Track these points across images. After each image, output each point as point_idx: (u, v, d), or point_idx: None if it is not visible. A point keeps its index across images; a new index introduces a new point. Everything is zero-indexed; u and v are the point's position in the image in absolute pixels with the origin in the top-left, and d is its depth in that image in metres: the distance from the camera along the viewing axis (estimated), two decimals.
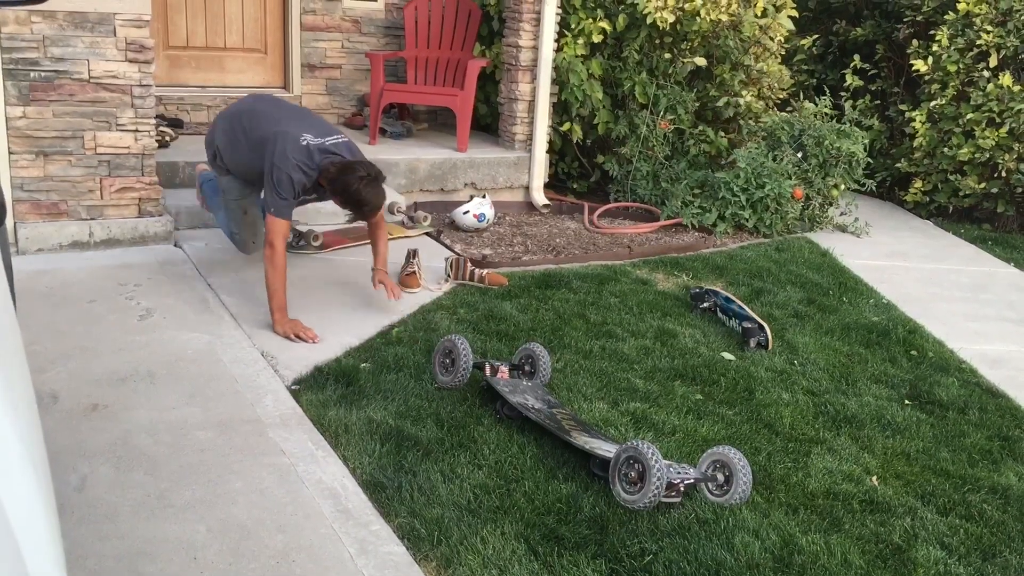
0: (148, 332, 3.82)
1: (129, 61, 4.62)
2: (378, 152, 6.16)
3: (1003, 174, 6.80)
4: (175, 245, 4.90)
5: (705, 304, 4.69)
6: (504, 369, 3.62)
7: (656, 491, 2.78)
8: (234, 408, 3.26)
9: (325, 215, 5.45)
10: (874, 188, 7.06)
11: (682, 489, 2.94)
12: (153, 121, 4.81)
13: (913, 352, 4.48)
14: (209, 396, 3.33)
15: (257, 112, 4.30)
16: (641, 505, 2.81)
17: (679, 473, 2.94)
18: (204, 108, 6.58)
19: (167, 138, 5.75)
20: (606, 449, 3.07)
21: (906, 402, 3.92)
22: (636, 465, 2.86)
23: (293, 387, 3.48)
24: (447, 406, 3.42)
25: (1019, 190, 6.86)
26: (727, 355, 4.18)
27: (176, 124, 6.24)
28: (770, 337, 4.32)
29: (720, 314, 4.63)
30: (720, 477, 3.01)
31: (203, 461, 2.91)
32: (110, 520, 2.58)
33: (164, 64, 6.55)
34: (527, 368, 3.68)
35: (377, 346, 3.91)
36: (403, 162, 6.11)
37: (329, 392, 3.44)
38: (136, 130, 4.73)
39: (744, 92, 6.77)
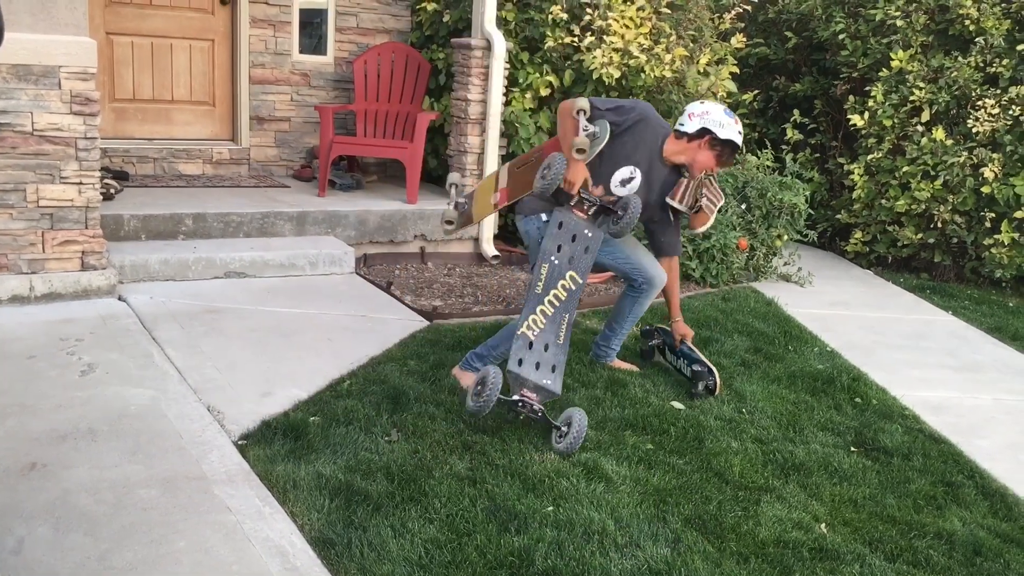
0: (90, 388, 3.73)
1: (74, 114, 4.58)
2: (327, 204, 6.16)
3: (939, 225, 7.01)
4: (119, 299, 4.82)
5: (654, 342, 4.71)
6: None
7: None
8: (179, 465, 3.19)
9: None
10: (816, 239, 7.22)
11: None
12: (98, 174, 4.76)
13: (857, 399, 4.55)
14: (153, 453, 3.25)
15: None
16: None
17: None
18: (150, 160, 6.53)
19: (112, 190, 5.69)
20: None
21: (852, 449, 3.98)
22: None
23: (240, 442, 3.42)
24: (398, 459, 3.39)
25: (955, 241, 7.07)
26: (677, 404, 4.21)
27: (121, 176, 6.18)
28: (718, 381, 4.35)
29: (668, 354, 4.65)
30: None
31: (146, 520, 2.84)
32: None
33: (110, 116, 6.50)
34: (563, 429, 3.68)
35: (327, 399, 3.86)
36: (352, 214, 6.11)
37: (277, 447, 3.38)
38: (80, 183, 4.67)
39: None
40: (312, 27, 7.10)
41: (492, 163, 6.51)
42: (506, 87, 6.51)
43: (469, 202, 4.52)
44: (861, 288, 6.91)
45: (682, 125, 4.10)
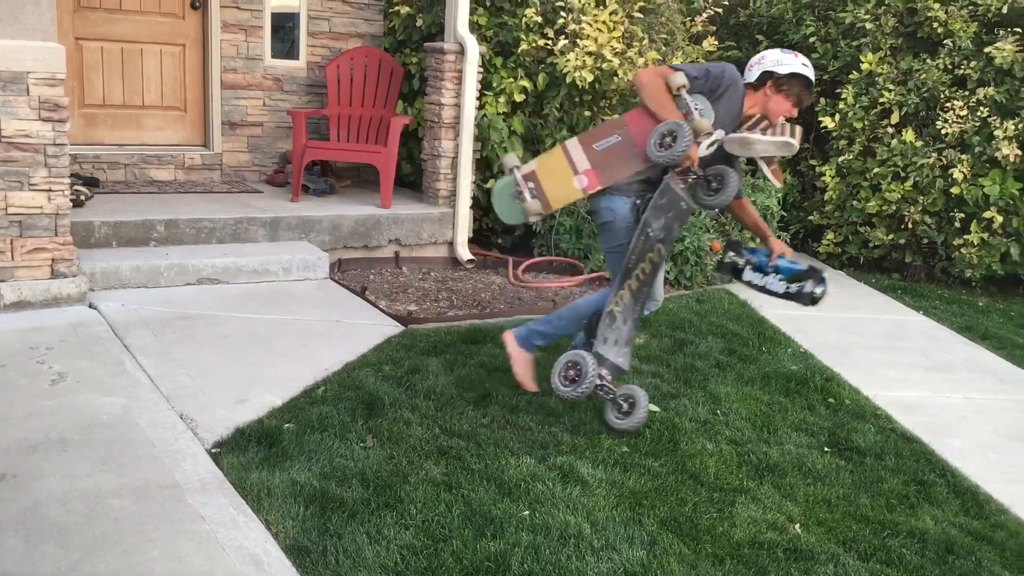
0: (60, 397, 3.69)
1: (43, 120, 4.53)
2: (301, 209, 6.14)
3: (909, 226, 7.09)
4: (90, 306, 4.77)
5: (736, 258, 4.32)
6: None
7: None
8: (151, 473, 3.16)
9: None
10: (789, 240, 7.27)
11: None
12: (67, 180, 4.71)
13: (831, 400, 4.59)
14: (125, 462, 3.22)
15: None
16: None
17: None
18: (121, 167, 6.47)
19: (82, 197, 5.63)
20: None
21: (825, 449, 4.01)
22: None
23: (214, 450, 3.40)
24: (373, 465, 3.37)
25: (925, 241, 7.14)
26: (652, 407, 4.22)
27: (92, 183, 6.12)
28: (827, 286, 3.99)
29: (750, 273, 4.25)
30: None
31: (118, 530, 2.81)
32: None
33: (80, 122, 6.44)
34: (624, 405, 3.91)
35: (301, 406, 3.84)
36: (326, 219, 6.09)
37: (251, 454, 3.36)
38: (49, 190, 4.62)
39: None
40: (284, 32, 7.07)
41: (466, 167, 6.51)
42: (480, 91, 6.51)
43: (535, 184, 4.08)
44: (834, 289, 6.89)
45: (747, 80, 3.94)
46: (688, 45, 7.13)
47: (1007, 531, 3.45)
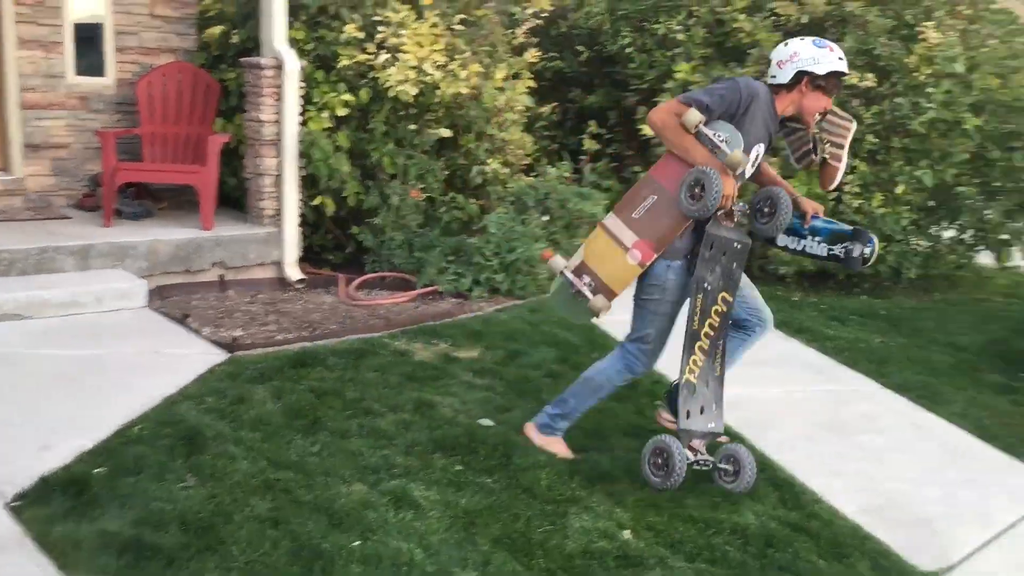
0: None
1: None
2: (115, 235, 5.81)
3: None
4: None
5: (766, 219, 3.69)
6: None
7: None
8: None
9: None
10: None
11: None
12: None
13: (658, 403, 4.70)
14: None
15: None
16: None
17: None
18: None
19: None
20: None
21: None
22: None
23: (14, 504, 3.14)
24: (193, 506, 3.21)
25: None
26: (486, 421, 4.21)
27: None
28: (876, 246, 3.75)
29: (786, 238, 3.91)
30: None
31: None
32: None
33: None
34: (728, 468, 3.73)
35: (115, 447, 3.62)
36: (143, 244, 5.78)
37: (56, 506, 3.13)
38: None
39: (490, 160, 6.97)
40: (90, 47, 6.67)
41: (292, 185, 6.32)
42: (302, 107, 6.36)
43: (589, 275, 3.82)
44: None
45: (774, 78, 3.65)
46: (511, 57, 7.20)
47: (821, 520, 3.63)
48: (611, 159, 8.30)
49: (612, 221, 3.75)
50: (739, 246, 3.63)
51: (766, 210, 3.62)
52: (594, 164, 7.98)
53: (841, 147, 3.71)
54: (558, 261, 3.88)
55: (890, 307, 7.00)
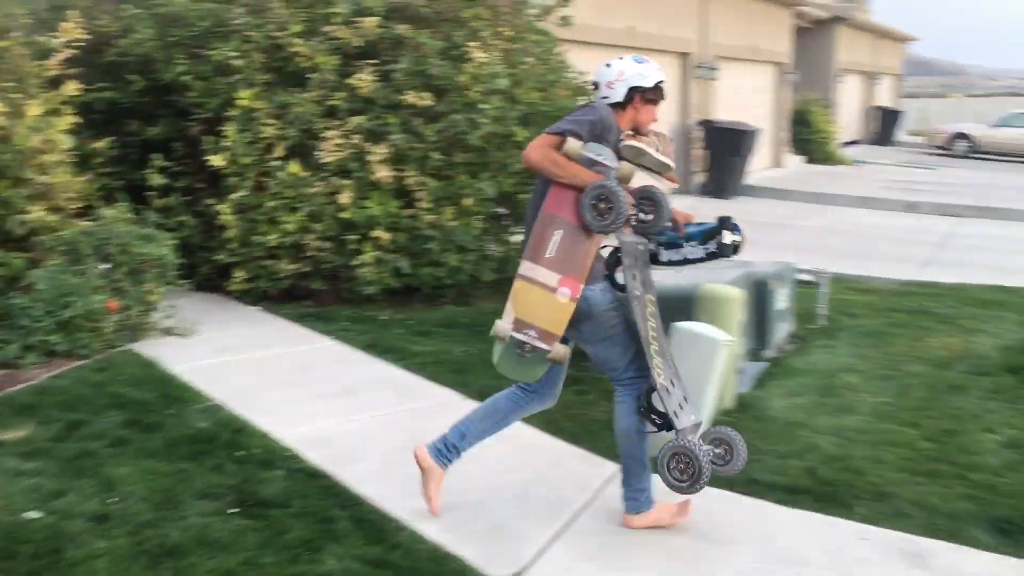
0: None
1: None
2: None
3: (310, 254, 7.30)
4: None
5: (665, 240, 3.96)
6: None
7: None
8: None
9: None
10: (198, 284, 7.04)
11: None
12: None
13: (240, 453, 4.47)
14: None
15: None
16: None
17: None
18: None
19: None
20: None
21: (230, 511, 3.86)
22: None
23: None
24: None
25: (327, 266, 7.42)
26: (32, 514, 3.70)
27: None
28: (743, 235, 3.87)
29: (666, 253, 4.00)
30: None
31: None
32: None
33: None
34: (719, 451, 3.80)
35: None
36: None
37: None
38: None
39: (32, 207, 6.24)
40: None
41: None
42: None
43: (528, 329, 3.66)
44: (248, 328, 6.90)
45: (606, 98, 3.70)
46: (45, 91, 6.49)
47: (403, 549, 3.62)
48: (184, 192, 7.83)
49: (529, 269, 3.71)
50: (643, 248, 3.81)
51: (647, 208, 3.76)
52: (166, 198, 7.49)
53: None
54: (502, 326, 3.71)
55: (472, 314, 7.31)
